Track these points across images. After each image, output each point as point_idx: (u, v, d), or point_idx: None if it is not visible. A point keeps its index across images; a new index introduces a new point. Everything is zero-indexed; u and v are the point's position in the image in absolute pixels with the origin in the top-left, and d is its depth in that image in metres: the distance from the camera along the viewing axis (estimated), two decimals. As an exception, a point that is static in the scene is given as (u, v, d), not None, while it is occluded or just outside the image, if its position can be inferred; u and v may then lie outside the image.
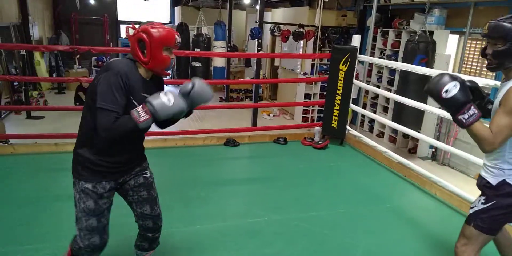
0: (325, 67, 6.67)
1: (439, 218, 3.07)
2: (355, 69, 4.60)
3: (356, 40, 4.67)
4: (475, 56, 4.84)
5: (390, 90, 5.53)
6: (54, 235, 2.43)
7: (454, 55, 5.27)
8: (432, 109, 3.38)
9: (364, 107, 6.19)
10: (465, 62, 4.94)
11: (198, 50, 5.77)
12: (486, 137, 1.56)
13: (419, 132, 4.24)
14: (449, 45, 5.24)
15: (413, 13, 5.40)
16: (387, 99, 5.71)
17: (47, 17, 9.21)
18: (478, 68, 4.76)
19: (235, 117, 6.20)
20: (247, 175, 3.73)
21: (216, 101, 7.47)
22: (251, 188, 3.44)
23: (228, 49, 7.21)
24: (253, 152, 4.38)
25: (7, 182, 3.20)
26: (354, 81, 4.55)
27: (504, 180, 1.67)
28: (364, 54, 5.25)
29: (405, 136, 5.34)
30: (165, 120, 1.62)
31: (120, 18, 10.72)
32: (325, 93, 5.05)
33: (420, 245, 2.61)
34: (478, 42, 4.82)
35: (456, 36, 5.29)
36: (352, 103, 4.74)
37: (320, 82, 6.49)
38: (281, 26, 6.86)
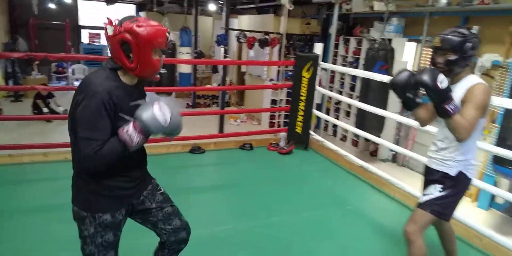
0: (290, 73, 6.77)
1: (398, 218, 3.18)
2: (318, 76, 4.72)
3: (318, 48, 4.79)
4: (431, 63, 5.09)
5: (352, 96, 5.70)
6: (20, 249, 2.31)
7: (412, 61, 5.51)
8: (391, 114, 3.52)
9: (328, 112, 6.34)
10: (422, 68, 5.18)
11: (163, 56, 5.70)
12: (466, 126, 1.73)
13: (379, 136, 4.39)
14: (407, 52, 5.48)
15: (373, 22, 5.61)
16: (350, 105, 5.88)
17: (2, 21, 8.79)
18: (433, 74, 5.00)
19: (202, 123, 6.15)
20: (212, 183, 3.72)
21: (182, 108, 7.39)
22: (216, 196, 3.43)
23: (195, 55, 7.17)
24: (219, 159, 4.37)
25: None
26: (317, 87, 4.67)
27: (461, 170, 1.91)
28: (327, 61, 5.38)
29: (367, 139, 5.51)
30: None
31: (81, 23, 10.43)
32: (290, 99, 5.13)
33: (381, 245, 2.70)
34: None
35: (414, 44, 5.54)
36: (316, 108, 4.85)
37: (286, 88, 6.59)
38: (247, 33, 6.91)
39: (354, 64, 5.88)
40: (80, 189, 1.46)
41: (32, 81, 7.68)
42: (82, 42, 10.37)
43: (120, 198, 1.50)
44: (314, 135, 4.77)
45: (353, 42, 5.92)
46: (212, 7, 8.51)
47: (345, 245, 2.68)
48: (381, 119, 4.36)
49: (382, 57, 4.93)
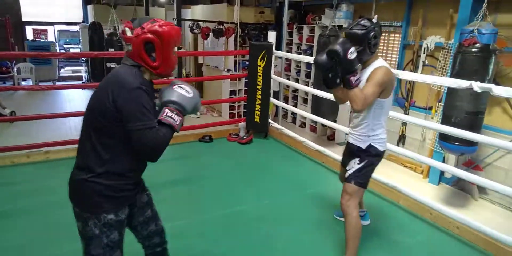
0: (247, 63, 6.74)
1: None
2: (273, 64, 4.73)
3: (272, 36, 4.79)
4: (380, 47, 5.23)
5: (308, 83, 5.78)
6: None
7: (362, 47, 5.65)
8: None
9: (287, 100, 6.40)
10: (372, 53, 5.32)
11: (113, 50, 5.47)
12: (362, 98, 1.96)
13: (335, 121, 4.49)
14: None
15: (324, 9, 5.67)
16: (307, 92, 5.96)
17: None
18: (383, 57, 5.15)
19: (160, 118, 6.02)
20: (170, 178, 3.65)
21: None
22: (174, 191, 3.37)
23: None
24: (177, 153, 4.29)
25: None
26: (272, 76, 4.68)
27: (370, 144, 2.21)
28: (281, 50, 5.40)
29: (324, 125, 5.63)
30: None
31: (25, 18, 9.78)
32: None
33: (340, 226, 2.77)
34: (381, 34, 5.21)
35: (363, 30, 5.67)
36: (274, 96, 4.87)
37: (244, 78, 6.56)
38: (201, 23, 6.78)
39: (308, 52, 5.94)
40: (85, 191, 1.45)
41: (-28, 83, 7.15)
42: (27, 40, 9.75)
43: (124, 198, 1.51)
44: (273, 123, 4.80)
45: (306, 30, 5.97)
46: (162, -3, 8.25)
47: (303, 229, 2.74)
48: (335, 104, 4.45)
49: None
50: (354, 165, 2.22)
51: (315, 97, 4.80)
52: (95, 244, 1.47)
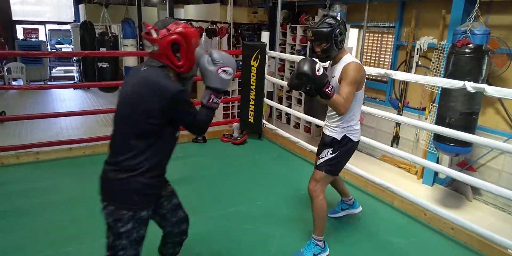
0: (240, 63, 6.71)
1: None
2: (267, 64, 4.70)
3: (265, 36, 4.76)
4: (373, 48, 5.24)
5: (302, 83, 5.77)
6: None
7: (356, 47, 5.66)
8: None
9: (281, 100, 6.38)
10: (365, 53, 5.33)
11: (104, 49, 5.41)
12: (343, 103, 2.06)
13: (329, 122, 4.49)
14: (351, 38, 5.61)
15: (317, 9, 5.66)
16: (300, 92, 5.95)
17: None
18: (376, 58, 5.16)
19: (153, 118, 5.97)
20: (164, 178, 3.60)
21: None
22: (168, 191, 3.33)
23: (140, 47, 6.89)
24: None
25: None
26: (266, 76, 4.65)
27: (345, 135, 2.29)
28: (275, 50, 5.38)
29: (318, 125, 5.62)
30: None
31: (15, 17, 9.65)
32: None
33: (331, 225, 2.75)
34: (375, 35, 5.22)
35: (356, 30, 5.68)
36: (268, 97, 4.84)
37: (237, 78, 6.52)
38: (194, 23, 6.73)
39: (302, 52, 5.93)
40: (125, 189, 1.52)
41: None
42: (18, 39, 9.62)
43: (155, 195, 1.65)
44: (267, 124, 4.77)
45: (299, 30, 5.96)
46: (155, -3, 8.19)
47: (296, 229, 2.71)
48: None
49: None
50: (327, 154, 2.32)
51: (308, 98, 4.79)
52: (125, 239, 1.54)
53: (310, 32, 2.17)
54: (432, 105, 3.93)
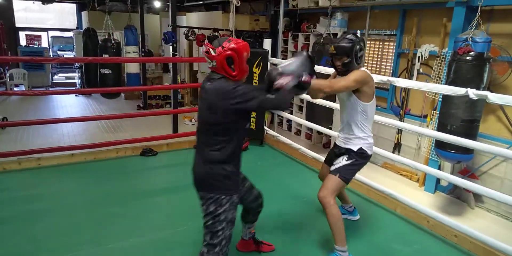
0: (242, 70, 6.74)
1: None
2: (268, 71, 4.73)
3: (267, 44, 4.80)
4: (375, 55, 5.27)
5: (304, 90, 5.79)
6: None
7: (357, 55, 5.69)
8: (338, 106, 3.59)
9: (282, 107, 6.39)
10: (366, 61, 5.36)
11: (107, 56, 5.44)
12: (324, 84, 2.15)
13: (330, 128, 4.49)
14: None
15: (319, 17, 5.71)
16: (302, 99, 5.97)
17: None
18: (378, 66, 5.19)
19: (155, 125, 5.97)
20: (165, 185, 3.60)
21: (133, 109, 7.13)
22: (170, 198, 3.32)
23: (142, 54, 6.94)
24: (172, 160, 4.25)
25: None
26: (268, 82, 4.67)
27: (361, 147, 2.37)
28: (277, 57, 5.41)
29: (319, 132, 5.63)
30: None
31: (18, 24, 9.73)
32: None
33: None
34: (376, 43, 5.26)
35: (358, 38, 5.72)
36: (268, 104, 4.84)
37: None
38: (196, 30, 6.79)
39: (304, 59, 5.97)
40: (220, 178, 1.84)
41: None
42: (20, 46, 9.69)
43: (239, 181, 1.98)
44: (269, 131, 4.78)
45: (301, 38, 6.00)
46: (157, 4, 8.27)
47: (298, 235, 2.70)
48: (330, 111, 4.46)
49: (327, 52, 5.04)
50: (342, 161, 2.36)
51: (309, 104, 4.81)
52: (222, 221, 1.84)
53: (332, 46, 2.29)
54: (433, 112, 3.94)
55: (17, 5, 9.67)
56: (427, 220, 2.91)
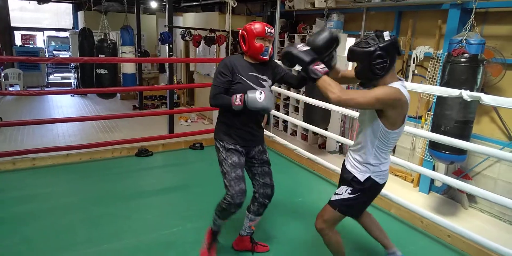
0: (238, 71, 6.74)
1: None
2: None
3: (263, 44, 4.80)
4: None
5: (300, 91, 5.80)
6: None
7: (353, 56, 5.71)
8: (335, 107, 3.61)
9: (278, 108, 6.41)
10: (362, 63, 5.39)
11: (103, 56, 5.43)
12: (333, 89, 1.73)
13: (327, 129, 4.51)
14: (348, 47, 5.67)
15: (315, 18, 5.74)
16: (298, 100, 5.98)
17: None
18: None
19: (151, 125, 5.96)
20: (160, 186, 3.59)
21: (128, 110, 7.11)
22: (165, 199, 3.32)
23: (139, 54, 6.93)
24: (168, 161, 4.25)
25: None
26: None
27: (370, 176, 1.91)
28: (273, 58, 5.42)
29: (315, 133, 5.65)
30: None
31: (13, 24, 9.68)
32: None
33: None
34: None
35: (353, 39, 5.74)
36: (264, 105, 4.85)
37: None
38: (192, 31, 6.79)
39: (300, 60, 5.99)
40: (217, 126, 2.29)
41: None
42: (15, 45, 9.64)
43: (234, 136, 2.21)
44: (264, 131, 4.78)
45: (297, 39, 6.02)
46: (153, 4, 8.26)
47: (296, 237, 2.71)
48: (327, 112, 4.47)
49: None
50: (345, 193, 1.95)
51: (306, 105, 4.82)
52: (223, 165, 2.17)
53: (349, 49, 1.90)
54: (428, 113, 3.97)
55: (12, 5, 9.62)
56: (421, 221, 2.93)
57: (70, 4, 10.11)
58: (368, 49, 1.73)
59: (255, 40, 2.10)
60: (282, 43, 6.30)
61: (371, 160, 1.89)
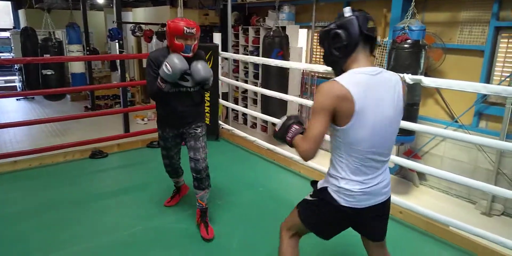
0: (194, 66, 6.66)
1: (303, 191, 3.35)
2: (220, 66, 4.71)
3: (217, 38, 4.77)
4: (319, 47, 5.42)
5: (256, 84, 5.83)
6: None
7: (305, 46, 5.83)
8: (291, 98, 3.67)
9: (237, 101, 6.41)
10: (315, 53, 5.51)
11: (48, 56, 5.15)
12: (300, 143, 1.49)
13: (284, 120, 4.57)
14: (300, 38, 5.77)
15: (267, 11, 5.77)
16: (256, 92, 6.02)
17: None
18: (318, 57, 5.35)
19: (105, 126, 5.75)
20: (117, 187, 3.48)
21: (80, 111, 6.81)
22: (122, 200, 3.22)
23: (87, 53, 6.64)
24: (124, 161, 4.12)
25: None
26: (220, 77, 4.66)
27: (326, 188, 1.54)
28: (228, 51, 5.40)
29: (274, 124, 5.72)
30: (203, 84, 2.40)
31: None
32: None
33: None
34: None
35: (305, 30, 5.85)
36: (223, 98, 4.84)
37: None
38: (143, 26, 6.61)
39: (255, 53, 6.01)
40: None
41: None
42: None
43: (167, 125, 2.54)
44: (224, 125, 4.77)
45: (251, 32, 6.04)
46: (100, 0, 7.93)
47: (259, 226, 2.74)
48: (284, 102, 4.54)
49: (277, 44, 5.12)
50: (308, 195, 1.68)
51: (264, 97, 4.86)
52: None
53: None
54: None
55: None
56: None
57: (9, 2, 9.47)
58: (329, 28, 1.46)
59: (175, 39, 2.20)
60: (236, 36, 6.29)
61: (331, 169, 1.54)
